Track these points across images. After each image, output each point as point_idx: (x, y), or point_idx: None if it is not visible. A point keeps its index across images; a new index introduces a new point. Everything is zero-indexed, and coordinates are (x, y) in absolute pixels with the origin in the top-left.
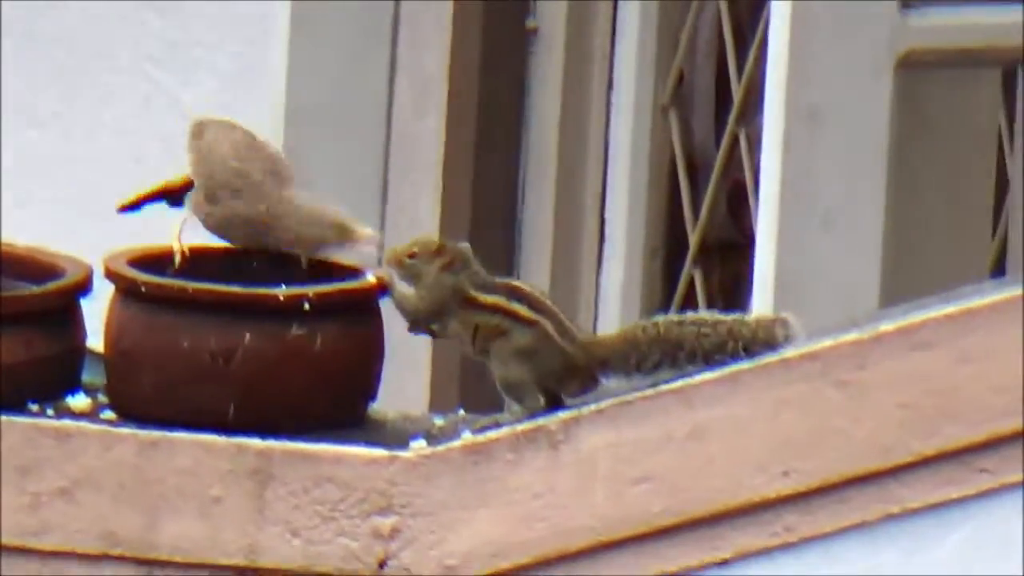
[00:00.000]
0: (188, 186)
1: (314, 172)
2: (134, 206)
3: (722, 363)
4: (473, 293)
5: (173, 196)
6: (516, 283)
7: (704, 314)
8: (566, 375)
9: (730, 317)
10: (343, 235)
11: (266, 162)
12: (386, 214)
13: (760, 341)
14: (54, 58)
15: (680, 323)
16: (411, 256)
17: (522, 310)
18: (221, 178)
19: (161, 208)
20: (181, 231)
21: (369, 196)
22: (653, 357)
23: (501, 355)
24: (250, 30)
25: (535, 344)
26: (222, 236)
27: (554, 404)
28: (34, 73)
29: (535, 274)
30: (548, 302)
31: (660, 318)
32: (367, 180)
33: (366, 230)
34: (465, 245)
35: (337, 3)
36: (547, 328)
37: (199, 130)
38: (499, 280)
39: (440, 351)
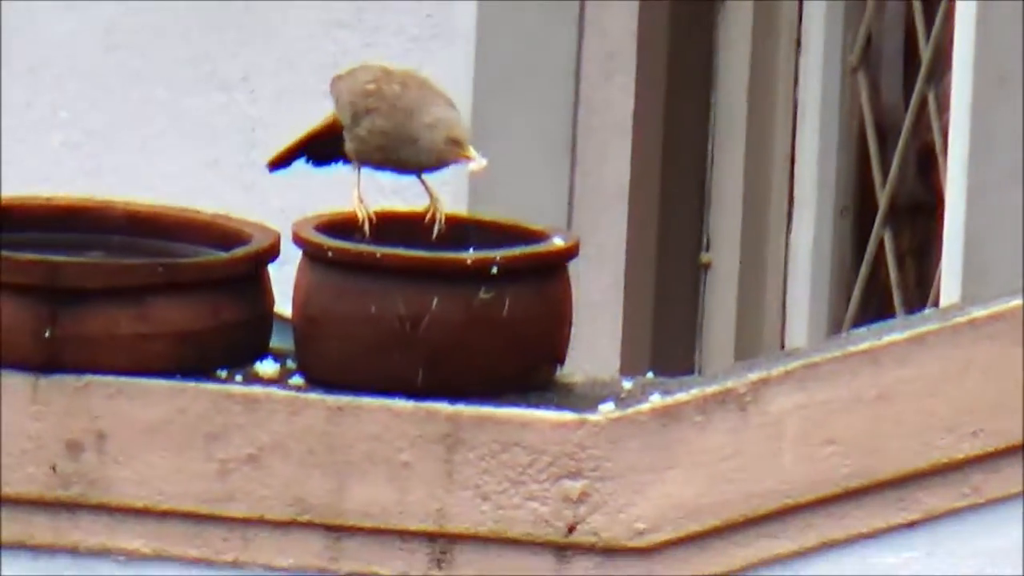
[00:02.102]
0: (332, 129)
1: (503, 134)
2: (284, 162)
3: None
4: None
5: (320, 144)
6: None
7: None
8: None
9: None
10: (453, 153)
11: (403, 81)
12: (575, 176)
13: None
14: (240, 22)
15: None
16: None
17: None
18: (360, 104)
19: (341, 170)
20: (360, 195)
21: (558, 158)
22: None
23: None
24: None
25: None
26: (368, 161)
27: None
28: (220, 37)
29: (725, 235)
30: None
31: None
32: (556, 142)
33: (475, 157)
34: None
35: None
36: None
37: (338, 76)
38: None
39: (631, 314)
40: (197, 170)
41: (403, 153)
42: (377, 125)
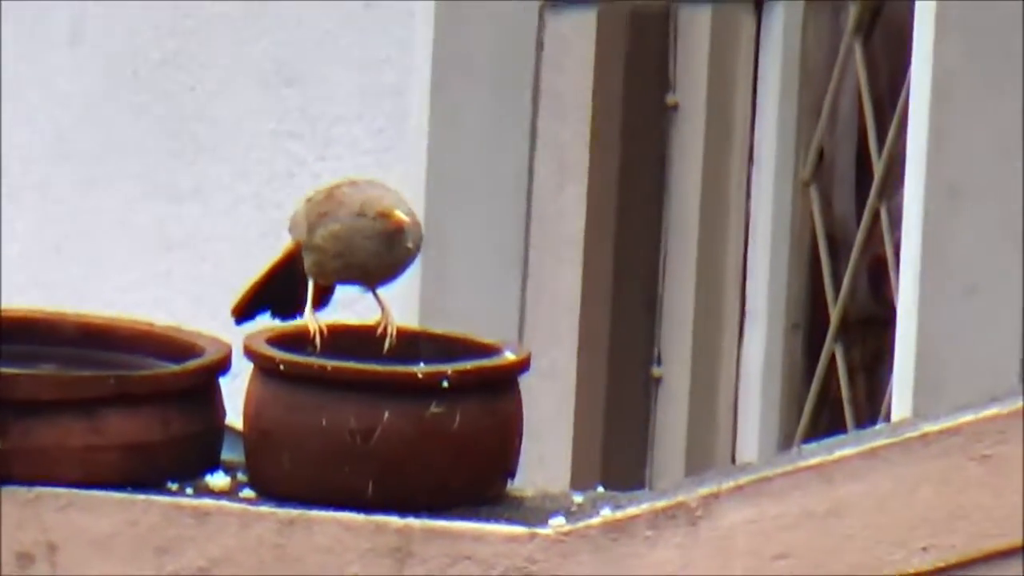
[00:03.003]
0: (291, 258)
1: (455, 246)
2: (248, 310)
3: None
4: None
5: (283, 280)
6: None
7: None
8: None
9: None
10: (386, 224)
11: (354, 182)
12: (526, 289)
13: None
14: (193, 132)
15: None
16: None
17: None
18: (313, 212)
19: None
20: (311, 308)
21: (509, 271)
22: None
23: None
24: (388, 104)
25: None
26: (327, 272)
27: None
28: (173, 149)
29: (677, 348)
30: None
31: None
32: (508, 254)
33: (399, 216)
34: None
35: (476, 77)
36: None
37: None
38: None
39: (581, 428)
40: (149, 282)
41: (358, 255)
42: (330, 229)
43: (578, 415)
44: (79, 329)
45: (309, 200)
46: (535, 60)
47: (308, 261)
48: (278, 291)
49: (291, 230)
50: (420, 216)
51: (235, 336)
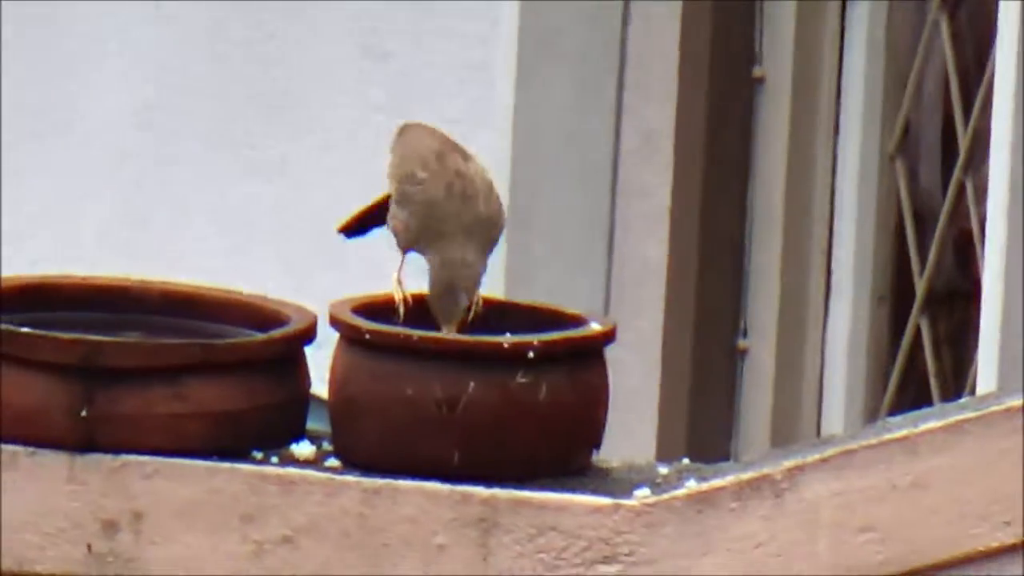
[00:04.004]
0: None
1: (540, 218)
2: (357, 228)
3: None
4: None
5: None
6: None
7: None
8: None
9: None
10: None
11: (452, 188)
12: (612, 261)
13: None
14: (278, 105)
15: None
16: None
17: None
18: (405, 190)
19: (386, 252)
20: (400, 277)
21: (595, 243)
22: None
23: None
24: (475, 78)
25: None
26: (406, 240)
27: None
28: (259, 121)
29: (763, 321)
30: None
31: None
32: (593, 226)
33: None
34: None
35: (562, 51)
36: None
37: (400, 132)
38: None
39: (667, 399)
40: (234, 255)
41: (421, 251)
42: (410, 222)
43: (663, 387)
44: (164, 297)
45: (411, 149)
46: (621, 34)
47: (390, 220)
48: (384, 219)
49: (390, 161)
50: (504, 191)
51: (321, 305)
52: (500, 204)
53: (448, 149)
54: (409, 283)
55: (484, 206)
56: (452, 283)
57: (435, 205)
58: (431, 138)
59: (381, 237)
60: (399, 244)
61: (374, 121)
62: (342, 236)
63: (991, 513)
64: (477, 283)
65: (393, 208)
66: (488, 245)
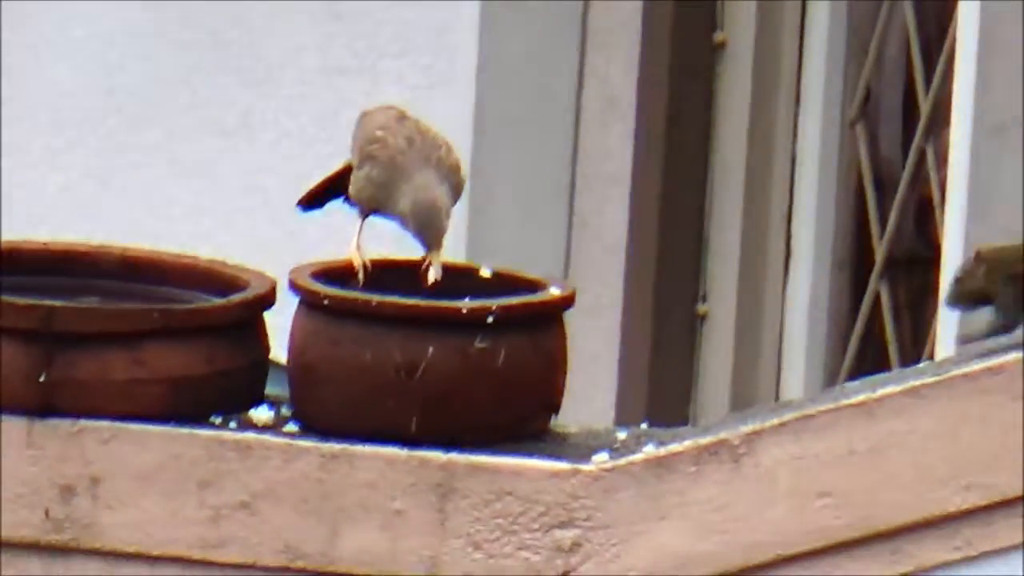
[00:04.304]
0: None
1: (501, 183)
2: (315, 201)
3: None
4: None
5: (346, 183)
6: None
7: None
8: None
9: None
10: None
11: (410, 136)
12: (572, 226)
13: None
14: (240, 68)
15: None
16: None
17: None
18: (365, 148)
19: (345, 217)
20: (360, 243)
21: (556, 208)
22: None
23: None
24: (437, 40)
25: None
26: (363, 206)
27: None
28: (220, 84)
29: (722, 286)
30: None
31: None
32: (554, 190)
33: (433, 267)
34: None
35: (525, 14)
36: None
37: (365, 112)
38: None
39: (626, 364)
40: (195, 216)
41: (387, 207)
42: (373, 175)
43: (623, 352)
44: (124, 262)
45: (372, 121)
46: None
47: (352, 188)
48: (342, 190)
49: (352, 140)
50: (466, 155)
51: (280, 270)
52: (460, 164)
53: (406, 116)
54: (368, 248)
55: (446, 155)
56: (433, 203)
57: (397, 154)
58: (389, 111)
59: (341, 203)
60: (360, 209)
61: (336, 83)
62: (299, 210)
63: (951, 477)
64: (450, 209)
65: (355, 174)
66: (452, 193)
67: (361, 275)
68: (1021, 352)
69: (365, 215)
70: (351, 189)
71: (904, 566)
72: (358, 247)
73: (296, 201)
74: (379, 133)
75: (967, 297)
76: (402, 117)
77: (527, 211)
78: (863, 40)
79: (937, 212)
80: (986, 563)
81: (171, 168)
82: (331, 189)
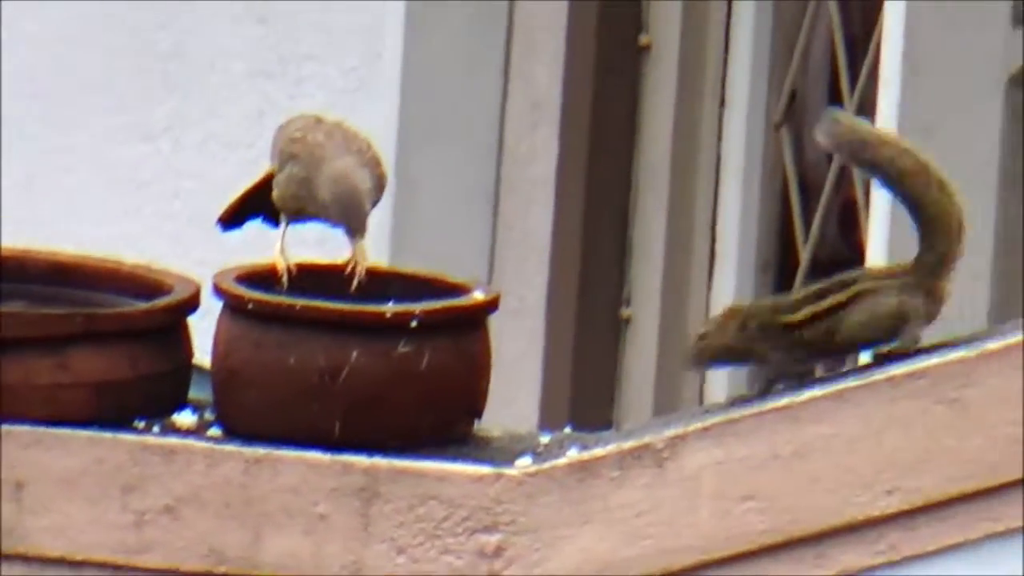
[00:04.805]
0: (270, 180)
1: (426, 186)
2: (234, 220)
3: None
4: (785, 318)
5: (265, 197)
6: (818, 286)
7: None
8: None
9: None
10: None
11: (329, 131)
12: (497, 229)
13: None
14: (165, 71)
15: None
16: (702, 337)
17: (841, 297)
18: (286, 150)
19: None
20: (283, 246)
21: (480, 211)
22: None
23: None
24: (361, 43)
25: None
26: (286, 210)
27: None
28: (144, 87)
29: (646, 289)
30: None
31: None
32: (479, 194)
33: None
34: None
35: (450, 16)
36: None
37: (281, 125)
38: (798, 295)
39: (550, 368)
40: (120, 220)
41: (310, 204)
42: (294, 172)
43: (547, 356)
44: (47, 266)
45: (290, 127)
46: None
47: (275, 192)
48: (262, 204)
49: (272, 151)
50: (391, 157)
51: (205, 274)
52: (381, 160)
53: (323, 120)
54: (292, 252)
55: (367, 149)
56: (355, 187)
57: (316, 148)
58: (307, 117)
59: (261, 223)
60: (284, 212)
61: (261, 86)
62: (219, 228)
63: (875, 481)
64: (372, 196)
65: (276, 178)
66: (376, 185)
67: (285, 279)
68: (943, 356)
69: (289, 219)
70: (274, 194)
71: (828, 570)
72: (282, 251)
73: (216, 219)
74: (297, 134)
75: (712, 353)
76: (319, 120)
77: (452, 214)
78: (788, 42)
79: (861, 215)
80: (910, 567)
81: (96, 172)
82: (251, 202)
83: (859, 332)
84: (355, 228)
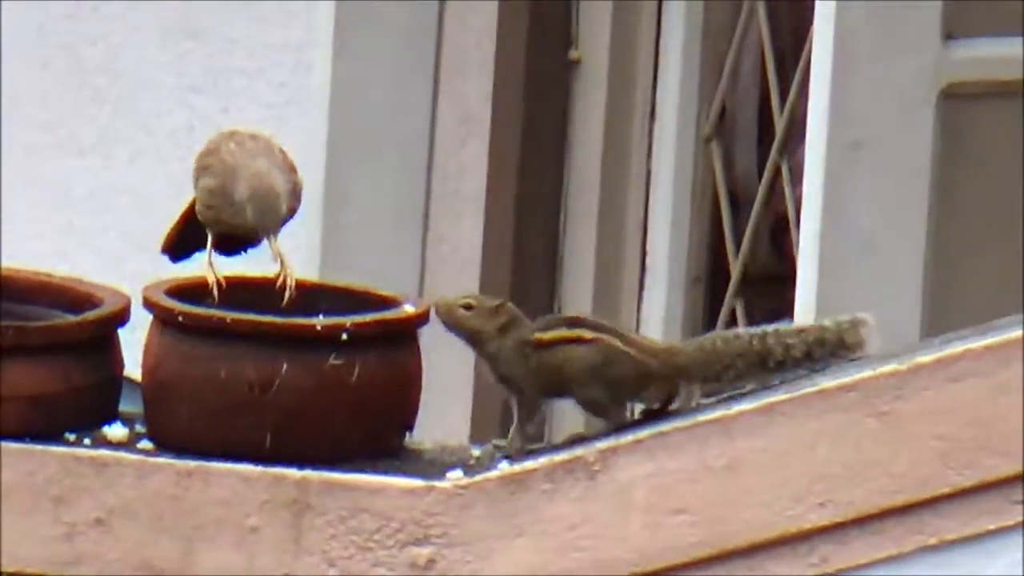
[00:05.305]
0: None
1: (356, 200)
2: (180, 249)
3: (812, 369)
4: (538, 336)
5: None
6: (573, 314)
7: (782, 326)
8: (643, 383)
9: (810, 325)
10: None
11: (241, 141)
12: (427, 242)
13: (848, 344)
14: (96, 86)
15: (763, 336)
16: (467, 308)
17: (584, 332)
18: (200, 162)
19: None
20: (211, 260)
21: (411, 224)
22: (737, 367)
23: (577, 379)
24: (291, 58)
25: (602, 357)
26: (206, 221)
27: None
28: (76, 101)
29: (577, 302)
30: (607, 323)
31: (741, 331)
32: (409, 208)
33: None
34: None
35: (379, 30)
36: (611, 341)
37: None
38: (554, 317)
39: (481, 381)
40: (51, 233)
41: (226, 213)
42: (210, 184)
43: (477, 369)
44: None
45: (206, 143)
46: (438, 15)
47: (197, 207)
48: (199, 231)
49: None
50: (321, 171)
51: (134, 288)
52: (296, 167)
53: (237, 131)
54: (222, 265)
55: (281, 156)
56: (270, 186)
57: (228, 156)
58: (224, 131)
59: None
60: (204, 224)
61: (191, 100)
62: (168, 258)
63: (807, 494)
64: (288, 198)
65: (196, 195)
66: (291, 190)
67: (216, 291)
68: (874, 369)
69: (216, 233)
70: (197, 208)
71: None
72: (210, 264)
73: (160, 248)
74: (211, 146)
75: (458, 325)
76: (233, 133)
77: (382, 228)
78: (718, 56)
79: (792, 229)
80: None
81: (27, 186)
82: (190, 228)
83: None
84: (271, 227)
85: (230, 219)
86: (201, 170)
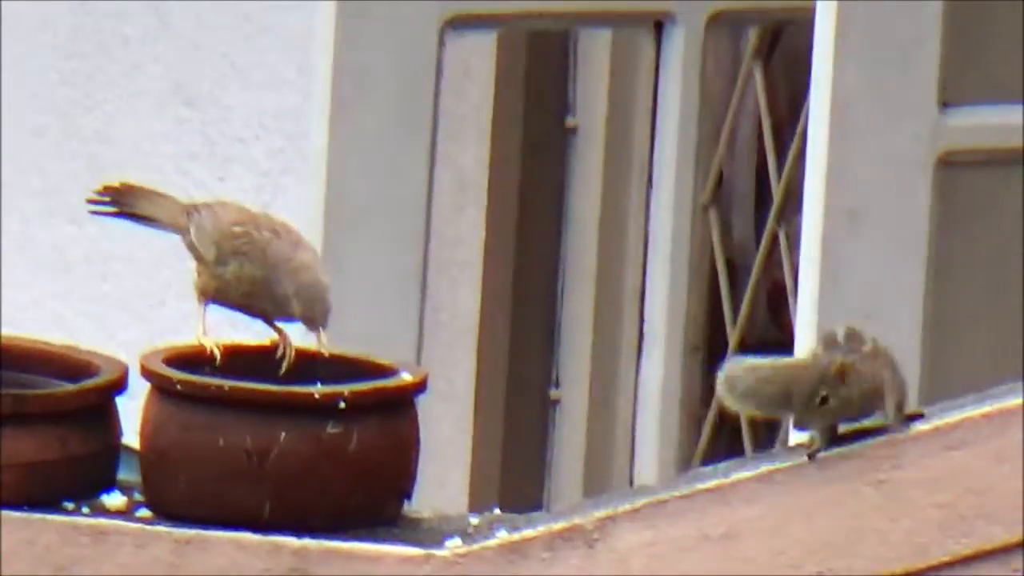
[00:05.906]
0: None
1: (353, 267)
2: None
3: None
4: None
5: None
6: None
7: None
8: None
9: None
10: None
11: (273, 229)
12: (424, 310)
13: None
14: (92, 153)
15: None
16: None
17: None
18: (226, 245)
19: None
20: (204, 328)
21: (408, 292)
22: None
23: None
24: (287, 126)
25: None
26: (228, 301)
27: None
28: (71, 169)
29: (575, 371)
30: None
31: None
32: (406, 275)
33: (322, 345)
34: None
35: (376, 97)
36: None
37: (195, 206)
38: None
39: (479, 449)
40: (47, 301)
41: (263, 303)
42: (246, 271)
43: (476, 437)
44: None
45: (217, 218)
46: (435, 82)
47: (207, 282)
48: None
49: (194, 232)
50: (318, 238)
51: (132, 355)
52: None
53: (246, 209)
54: (218, 333)
55: (309, 245)
56: (318, 280)
57: (267, 246)
58: (228, 205)
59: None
60: (223, 303)
61: (187, 167)
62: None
63: (805, 563)
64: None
65: (214, 270)
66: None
67: (217, 357)
68: (872, 439)
69: (207, 302)
70: (201, 284)
71: None
72: (204, 332)
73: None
74: (238, 229)
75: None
76: (253, 215)
77: (379, 295)
78: (715, 124)
79: (790, 297)
80: None
81: (22, 254)
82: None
83: None
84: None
85: (261, 306)
86: (231, 253)
